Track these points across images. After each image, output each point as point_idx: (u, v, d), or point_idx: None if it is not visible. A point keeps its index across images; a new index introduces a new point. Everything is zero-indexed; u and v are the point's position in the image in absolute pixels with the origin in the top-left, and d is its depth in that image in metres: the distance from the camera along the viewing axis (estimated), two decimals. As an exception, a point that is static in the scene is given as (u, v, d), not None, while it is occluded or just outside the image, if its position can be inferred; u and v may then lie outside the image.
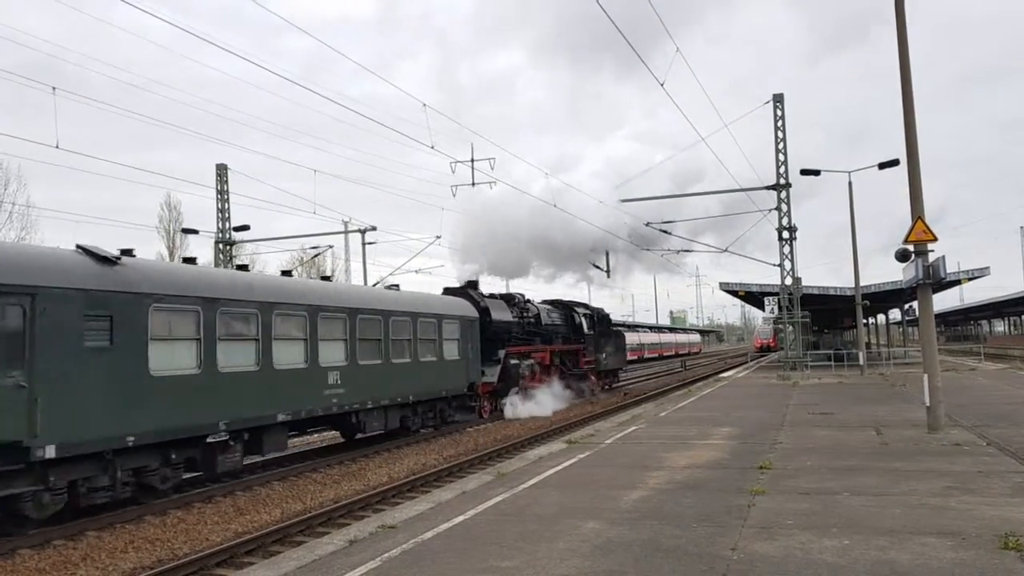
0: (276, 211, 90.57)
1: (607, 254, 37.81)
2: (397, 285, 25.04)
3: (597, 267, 37.77)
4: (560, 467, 12.53)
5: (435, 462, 17.08)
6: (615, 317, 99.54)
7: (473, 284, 26.65)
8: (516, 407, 25.68)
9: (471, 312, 23.77)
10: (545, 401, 27.18)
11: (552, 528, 8.32)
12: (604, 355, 35.09)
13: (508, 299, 28.27)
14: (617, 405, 28.79)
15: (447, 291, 25.66)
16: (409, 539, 8.13)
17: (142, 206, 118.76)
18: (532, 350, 28.12)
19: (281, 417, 14.91)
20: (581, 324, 33.08)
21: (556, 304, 33.08)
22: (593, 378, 34.01)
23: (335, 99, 30.24)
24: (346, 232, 43.31)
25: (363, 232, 42.14)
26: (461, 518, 9.05)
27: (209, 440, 13.45)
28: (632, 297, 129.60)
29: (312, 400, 15.91)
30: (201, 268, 15.37)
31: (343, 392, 16.76)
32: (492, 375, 24.79)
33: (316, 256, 44.07)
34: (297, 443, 19.61)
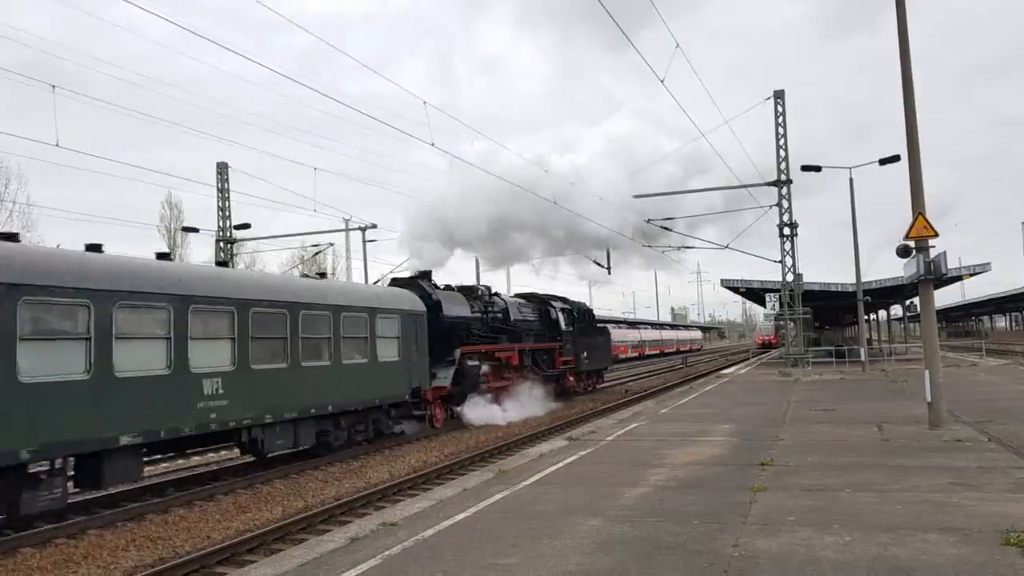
0: (277, 209, 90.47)
1: (608, 251, 37.61)
2: (323, 273, 23.37)
3: (598, 264, 37.58)
4: (561, 464, 12.53)
5: (436, 459, 17.09)
6: (616, 314, 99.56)
7: (426, 275, 23.45)
8: (475, 414, 22.86)
9: (417, 306, 20.55)
10: (511, 406, 24.76)
11: (553, 525, 8.31)
12: (585, 354, 32.12)
13: (469, 292, 25.24)
14: (618, 402, 28.78)
15: (395, 282, 22.78)
16: (410, 537, 8.12)
17: (142, 204, 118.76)
18: (497, 349, 25.01)
19: (126, 440, 11.60)
20: (558, 320, 30.14)
21: (529, 298, 30.47)
22: (571, 379, 31.28)
23: (334, 96, 30.15)
24: (347, 230, 43.36)
25: (364, 230, 42.21)
26: (462, 515, 9.05)
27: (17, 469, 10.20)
28: (633, 294, 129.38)
29: (178, 416, 12.59)
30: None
31: (226, 405, 13.48)
32: (445, 378, 21.63)
33: (317, 254, 43.98)
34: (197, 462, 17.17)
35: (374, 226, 41.31)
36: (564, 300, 32.11)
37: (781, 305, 37.27)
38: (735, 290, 47.81)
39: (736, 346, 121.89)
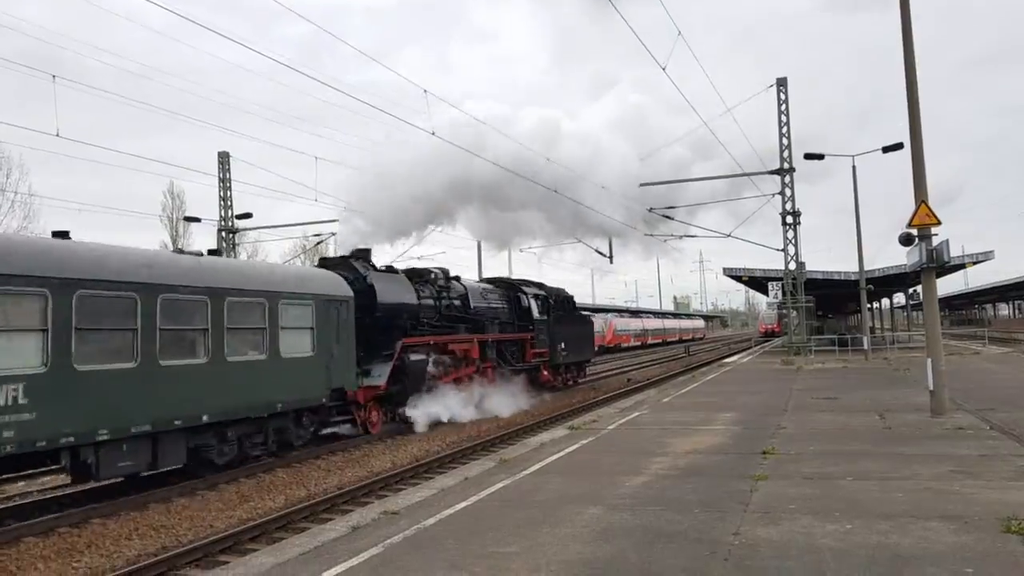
0: (277, 199, 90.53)
1: (610, 240, 37.36)
2: (217, 251, 20.50)
3: (600, 253, 37.40)
4: (562, 453, 12.55)
5: (438, 448, 17.12)
6: (618, 303, 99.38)
7: (362, 254, 20.28)
8: (422, 416, 19.81)
9: (340, 290, 17.08)
10: (470, 405, 21.95)
11: (554, 514, 8.32)
12: (562, 345, 28.77)
13: (419, 275, 22.05)
14: (620, 391, 28.81)
15: (324, 262, 20.11)
16: (411, 525, 8.14)
17: (144, 193, 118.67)
18: (451, 340, 21.62)
19: None
20: (530, 308, 26.92)
21: (498, 284, 27.61)
22: (546, 373, 27.90)
23: (335, 85, 29.92)
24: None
25: (365, 219, 42.05)
26: (463, 504, 9.07)
27: None
28: (636, 283, 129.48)
29: None
30: None
31: (33, 418, 10.10)
32: (380, 376, 18.32)
33: (319, 243, 43.91)
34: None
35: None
36: (539, 286, 29.32)
37: (784, 293, 37.23)
38: (738, 279, 47.76)
39: (739, 335, 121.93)
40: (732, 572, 6.20)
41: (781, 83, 35.79)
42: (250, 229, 39.53)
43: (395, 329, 19.30)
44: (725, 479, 9.86)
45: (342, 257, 20.21)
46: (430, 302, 21.61)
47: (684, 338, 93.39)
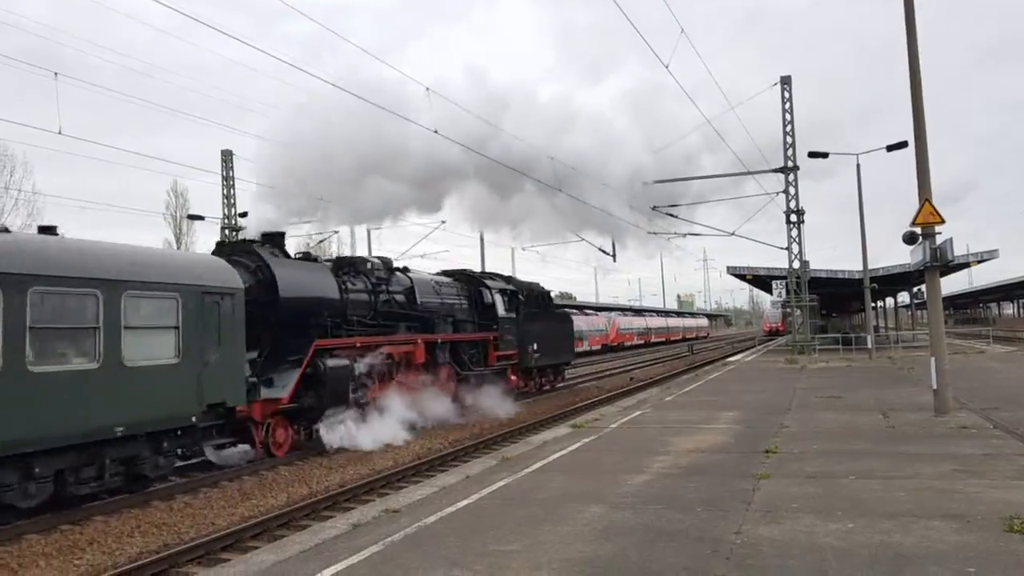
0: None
1: (612, 239, 37.16)
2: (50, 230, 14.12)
3: (603, 252, 37.17)
4: (565, 451, 12.53)
5: (440, 447, 17.10)
6: (621, 301, 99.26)
7: (272, 238, 16.96)
8: (343, 435, 16.20)
9: (224, 280, 13.55)
10: (411, 418, 18.46)
11: (555, 512, 8.31)
12: (535, 346, 25.46)
13: (347, 264, 18.92)
14: (622, 390, 28.78)
15: (221, 248, 16.58)
16: (412, 523, 8.13)
17: (147, 191, 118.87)
18: (385, 341, 18.42)
19: None
20: (494, 304, 23.79)
21: (457, 276, 24.35)
22: (514, 377, 24.66)
23: (337, 84, 29.59)
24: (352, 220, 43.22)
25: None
26: (465, 502, 9.05)
27: None
28: (639, 281, 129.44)
29: None
30: None
31: None
32: (284, 386, 14.97)
33: (322, 242, 43.93)
34: None
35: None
36: (507, 279, 26.58)
37: (788, 292, 37.18)
38: (742, 277, 47.73)
39: (743, 333, 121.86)
40: (734, 571, 6.18)
41: (785, 81, 35.74)
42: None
43: (309, 328, 16.02)
44: (727, 478, 9.83)
45: (245, 241, 16.82)
46: (363, 296, 18.48)
47: (688, 337, 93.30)
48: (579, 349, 57.72)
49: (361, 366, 17.17)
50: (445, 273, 24.59)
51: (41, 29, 65.38)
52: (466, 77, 25.30)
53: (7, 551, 9.40)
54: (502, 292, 24.71)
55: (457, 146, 21.37)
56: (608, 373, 39.43)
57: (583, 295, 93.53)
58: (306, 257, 18.34)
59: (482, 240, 50.15)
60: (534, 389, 26.65)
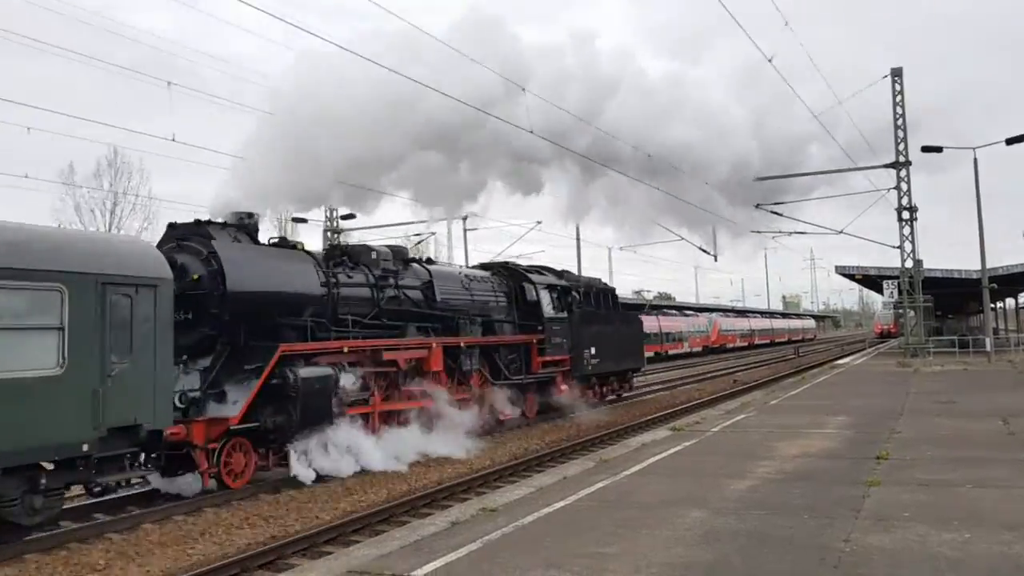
0: (378, 198, 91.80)
1: (714, 232, 35.32)
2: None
3: (703, 250, 36.28)
4: (664, 454, 12.34)
5: (537, 447, 17.10)
6: (723, 302, 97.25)
7: (241, 220, 14.17)
8: (324, 464, 13.30)
9: (140, 268, 10.41)
10: (414, 442, 15.27)
11: (655, 516, 8.19)
12: (592, 351, 21.92)
13: (339, 254, 16.01)
14: (724, 392, 28.17)
15: (169, 231, 13.53)
16: (509, 523, 8.14)
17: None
18: (385, 345, 15.20)
19: None
20: (538, 302, 20.53)
21: (492, 269, 21.49)
22: (563, 387, 20.98)
23: (440, 89, 28.95)
24: (448, 219, 43.75)
25: (464, 219, 42.43)
26: (562, 503, 9.02)
27: None
28: (742, 281, 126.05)
29: None
30: None
31: None
32: (235, 402, 12.16)
33: (419, 243, 44.59)
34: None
35: (475, 214, 41.28)
36: (559, 273, 23.06)
37: (900, 293, 35.68)
38: (851, 277, 46.08)
39: (852, 335, 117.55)
40: (841, 581, 5.94)
41: (896, 73, 34.27)
42: (353, 229, 40.39)
43: (277, 330, 13.34)
44: (835, 484, 9.48)
45: (199, 223, 13.48)
46: (360, 292, 15.47)
47: (793, 339, 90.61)
48: (678, 351, 57.10)
49: (351, 376, 14.07)
50: (480, 267, 22.09)
51: (155, 41, 68.60)
52: (573, 47, 22.98)
53: (126, 540, 9.88)
54: (550, 288, 21.39)
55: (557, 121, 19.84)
56: (709, 375, 38.70)
57: (682, 295, 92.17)
58: (282, 243, 15.36)
59: (578, 236, 49.46)
60: (594, 399, 22.87)
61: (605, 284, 25.70)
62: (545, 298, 20.89)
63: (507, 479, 13.65)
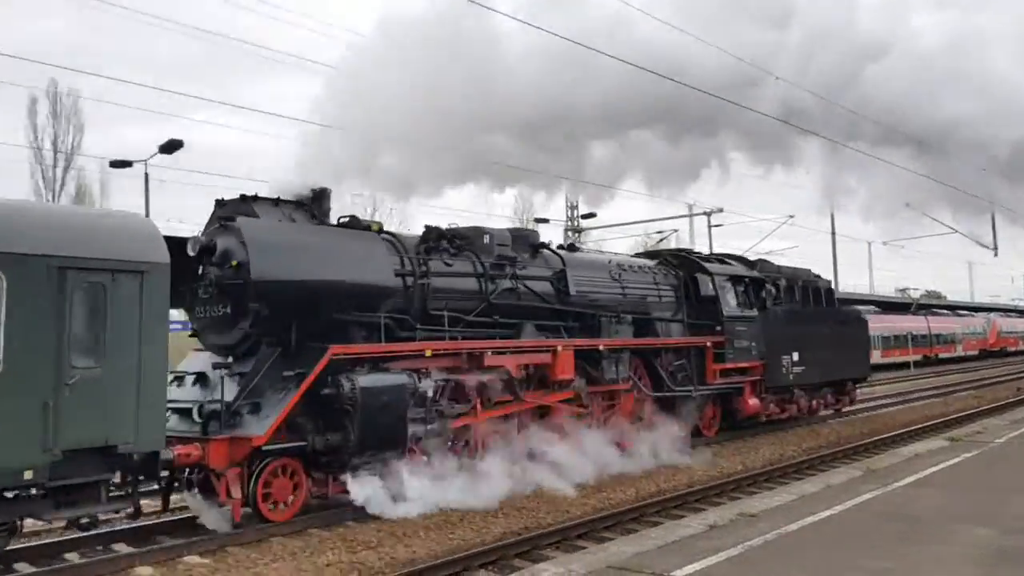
0: (615, 194, 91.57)
1: (993, 221, 29.70)
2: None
3: (981, 244, 32.35)
4: (941, 466, 11.37)
5: (793, 453, 16.29)
6: (1002, 301, 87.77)
7: (319, 195, 11.78)
8: (377, 495, 10.48)
9: (109, 251, 8.02)
10: (533, 470, 12.36)
11: (932, 531, 7.56)
12: (794, 356, 18.49)
13: (438, 237, 12.79)
14: (1009, 400, 25.32)
15: (217, 207, 11.09)
16: (771, 529, 7.83)
17: (499, 199, 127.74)
18: (487, 348, 12.18)
19: None
20: (716, 297, 16.96)
21: (660, 257, 18.09)
22: (752, 401, 17.41)
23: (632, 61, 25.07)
24: (690, 215, 42.45)
25: (708, 215, 40.77)
26: (827, 512, 8.55)
27: None
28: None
29: None
30: None
31: None
32: (268, 416, 9.58)
33: (661, 240, 43.99)
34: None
35: (720, 210, 39.78)
36: (751, 263, 19.56)
37: None
38: None
39: None
40: None
41: None
42: (593, 228, 40.62)
43: (338, 328, 10.83)
44: None
45: (245, 198, 11.04)
46: (463, 283, 12.75)
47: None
48: (950, 354, 52.16)
49: (434, 385, 11.36)
50: (651, 255, 18.97)
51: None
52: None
53: (394, 524, 10.59)
54: (733, 280, 17.73)
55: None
56: (988, 381, 35.05)
57: (954, 294, 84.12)
58: (352, 224, 12.15)
59: (833, 229, 46.26)
60: (799, 414, 19.37)
61: (817, 277, 21.53)
62: (725, 292, 17.37)
63: (762, 485, 13.13)
